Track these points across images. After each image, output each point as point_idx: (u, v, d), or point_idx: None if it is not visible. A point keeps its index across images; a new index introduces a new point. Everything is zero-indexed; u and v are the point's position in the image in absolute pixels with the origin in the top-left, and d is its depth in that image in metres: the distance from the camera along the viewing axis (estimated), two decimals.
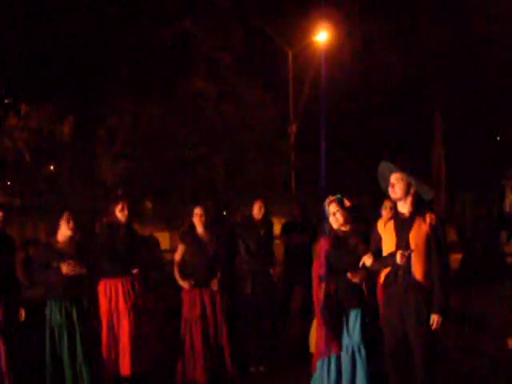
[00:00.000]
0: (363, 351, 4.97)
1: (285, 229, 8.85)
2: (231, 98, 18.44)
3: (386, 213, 6.08)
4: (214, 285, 6.47)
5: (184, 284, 6.47)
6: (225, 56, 18.46)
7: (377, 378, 4.93)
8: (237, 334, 6.68)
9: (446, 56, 19.95)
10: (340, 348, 5.07)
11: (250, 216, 7.07)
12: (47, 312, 5.89)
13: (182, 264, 6.57)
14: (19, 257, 8.47)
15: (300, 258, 8.37)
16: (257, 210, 7.01)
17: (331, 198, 5.28)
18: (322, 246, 5.28)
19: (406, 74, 20.37)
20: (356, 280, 5.04)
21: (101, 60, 14.60)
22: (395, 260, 4.68)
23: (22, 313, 5.95)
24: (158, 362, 6.57)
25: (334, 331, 5.11)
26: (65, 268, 5.74)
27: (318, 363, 5.14)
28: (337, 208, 5.21)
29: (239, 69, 18.63)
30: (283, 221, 9.40)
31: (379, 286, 5.10)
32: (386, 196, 5.26)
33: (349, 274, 5.01)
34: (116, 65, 15.05)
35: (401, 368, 4.77)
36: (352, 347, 5.01)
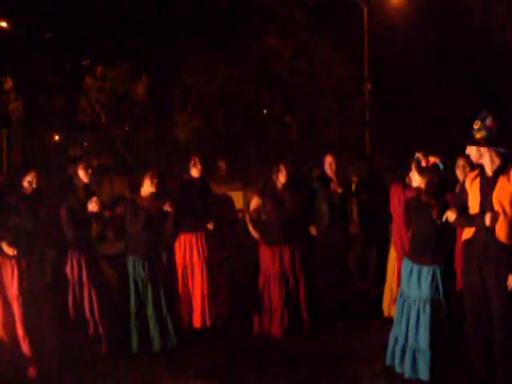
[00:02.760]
0: (428, 308, 5.03)
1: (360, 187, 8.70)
2: (305, 57, 18.21)
3: (460, 172, 5.95)
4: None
5: (255, 234, 6.54)
6: (298, 14, 18.19)
7: (439, 335, 5.00)
8: (314, 289, 6.66)
9: None
10: None
11: (325, 173, 6.99)
12: (129, 267, 6.01)
13: (258, 219, 6.61)
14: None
15: (376, 217, 8.23)
16: (328, 165, 6.92)
17: (416, 155, 5.29)
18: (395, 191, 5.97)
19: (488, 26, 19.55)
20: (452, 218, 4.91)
21: (174, 19, 14.63)
22: (483, 221, 4.56)
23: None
24: (230, 315, 6.68)
25: None
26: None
27: (397, 302, 5.31)
28: (413, 168, 5.21)
29: (313, 27, 18.34)
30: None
31: (459, 244, 5.03)
32: (462, 155, 5.11)
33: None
34: (189, 24, 15.06)
35: (480, 325, 4.73)
36: (419, 302, 5.08)
